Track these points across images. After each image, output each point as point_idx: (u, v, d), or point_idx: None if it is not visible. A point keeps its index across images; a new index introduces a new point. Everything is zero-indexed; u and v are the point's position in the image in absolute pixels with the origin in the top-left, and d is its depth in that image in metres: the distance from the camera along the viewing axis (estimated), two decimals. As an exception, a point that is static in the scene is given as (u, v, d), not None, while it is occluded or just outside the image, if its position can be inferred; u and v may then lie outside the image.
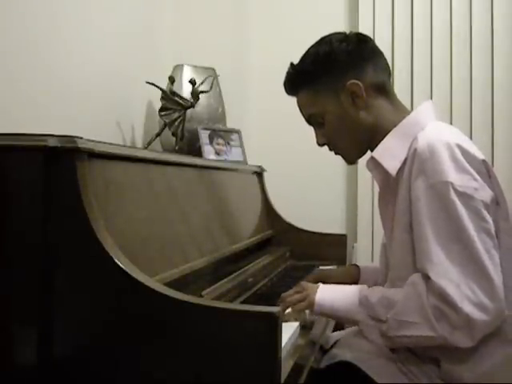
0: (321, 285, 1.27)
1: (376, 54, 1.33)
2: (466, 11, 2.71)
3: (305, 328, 1.25)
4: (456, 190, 1.12)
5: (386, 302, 1.16)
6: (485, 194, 1.15)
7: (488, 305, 1.07)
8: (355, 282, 1.51)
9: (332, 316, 1.30)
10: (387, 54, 1.43)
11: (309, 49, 1.34)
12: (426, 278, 1.12)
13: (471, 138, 2.56)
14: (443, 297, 1.08)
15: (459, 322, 1.07)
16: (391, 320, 1.14)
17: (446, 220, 1.12)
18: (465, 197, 1.12)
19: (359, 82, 1.26)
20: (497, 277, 1.09)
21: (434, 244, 1.12)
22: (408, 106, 1.37)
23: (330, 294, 1.24)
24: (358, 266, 1.58)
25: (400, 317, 1.13)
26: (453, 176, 1.12)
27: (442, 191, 1.12)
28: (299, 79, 1.32)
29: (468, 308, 1.06)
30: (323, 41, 1.33)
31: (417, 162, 1.16)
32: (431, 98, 2.64)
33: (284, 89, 1.36)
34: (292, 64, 1.35)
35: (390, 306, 1.15)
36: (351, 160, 1.37)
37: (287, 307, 1.24)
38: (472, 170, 1.14)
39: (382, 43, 2.61)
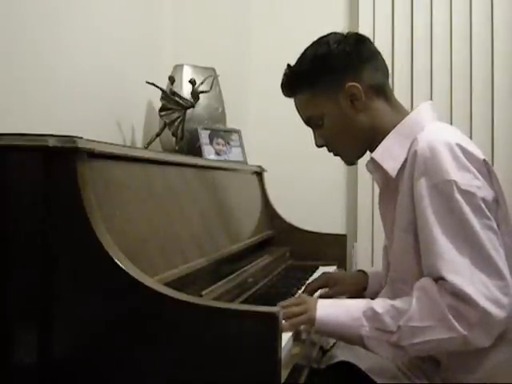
0: (319, 300, 1.21)
1: (374, 54, 1.31)
2: (466, 11, 2.70)
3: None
4: (459, 189, 1.11)
5: (394, 312, 1.12)
6: (486, 192, 1.14)
7: (503, 301, 1.06)
8: (363, 288, 1.50)
9: (333, 333, 1.20)
10: (387, 54, 1.42)
11: (306, 50, 1.32)
12: (437, 279, 1.10)
13: (471, 137, 2.56)
14: (459, 294, 1.06)
15: (477, 319, 1.05)
16: (404, 328, 1.10)
17: (452, 219, 1.11)
18: (468, 195, 1.11)
19: (358, 85, 1.25)
20: (507, 273, 1.08)
21: (443, 242, 1.10)
22: (408, 106, 1.36)
23: (331, 310, 1.17)
24: (365, 273, 1.55)
25: (413, 323, 1.09)
26: (455, 174, 1.12)
27: (446, 190, 1.11)
28: (297, 81, 1.31)
29: (485, 303, 1.05)
30: (321, 42, 1.31)
31: (418, 162, 1.16)
32: (431, 98, 2.64)
33: (281, 91, 1.34)
34: (289, 65, 1.33)
35: (399, 314, 1.11)
36: (350, 161, 1.37)
37: (284, 318, 1.15)
38: (473, 169, 1.14)
39: (381, 43, 2.59)
